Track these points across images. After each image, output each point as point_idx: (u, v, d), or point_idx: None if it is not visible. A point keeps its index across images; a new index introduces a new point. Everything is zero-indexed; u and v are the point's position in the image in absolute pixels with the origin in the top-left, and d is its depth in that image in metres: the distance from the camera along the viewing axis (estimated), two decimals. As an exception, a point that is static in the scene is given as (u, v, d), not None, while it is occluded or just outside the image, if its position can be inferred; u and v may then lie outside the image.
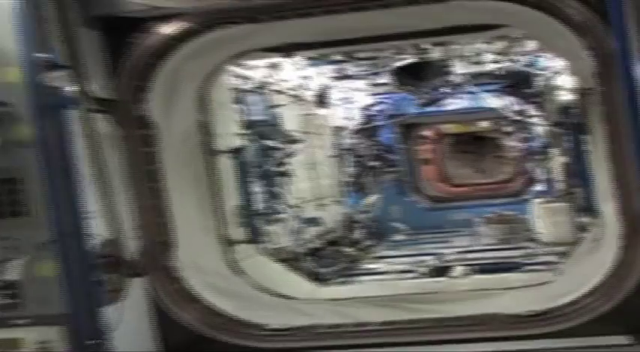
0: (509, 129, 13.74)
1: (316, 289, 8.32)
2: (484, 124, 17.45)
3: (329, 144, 12.44)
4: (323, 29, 6.36)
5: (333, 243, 11.34)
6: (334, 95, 12.59)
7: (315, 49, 7.63)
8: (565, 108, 9.11)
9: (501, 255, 10.01)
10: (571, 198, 9.01)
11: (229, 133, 8.05)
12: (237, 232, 7.75)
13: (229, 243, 7.40)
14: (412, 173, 15.62)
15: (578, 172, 8.98)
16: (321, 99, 12.08)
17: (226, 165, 7.82)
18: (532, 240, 10.35)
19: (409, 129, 15.55)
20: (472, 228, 13.01)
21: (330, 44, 7.21)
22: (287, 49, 7.25)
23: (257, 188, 8.82)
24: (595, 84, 5.79)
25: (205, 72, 6.95)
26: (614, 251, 5.83)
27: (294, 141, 9.85)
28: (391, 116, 14.18)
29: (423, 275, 9.11)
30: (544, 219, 9.24)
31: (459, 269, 8.64)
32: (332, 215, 11.65)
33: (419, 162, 16.05)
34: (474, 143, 18.31)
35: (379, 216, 13.99)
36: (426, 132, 16.75)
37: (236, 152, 8.16)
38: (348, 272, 9.93)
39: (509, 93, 12.04)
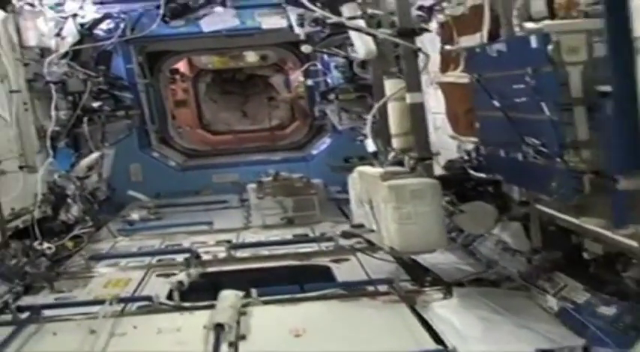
0: (291, 59, 9.75)
1: None
2: (252, 57, 14.14)
3: (19, 73, 7.63)
4: None
5: (21, 234, 6.90)
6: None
7: None
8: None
9: (297, 250, 6.01)
10: (428, 168, 5.04)
11: None
12: None
13: None
14: (159, 119, 11.49)
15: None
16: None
17: None
18: (350, 234, 6.09)
19: (154, 58, 11.48)
20: (244, 197, 9.13)
21: None
22: None
23: None
24: None
25: None
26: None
27: None
28: (124, 36, 9.71)
29: (163, 306, 4.96)
30: (384, 204, 4.74)
31: (230, 299, 4.53)
32: (19, 188, 7.04)
33: (168, 104, 12.14)
34: (241, 81, 15.09)
35: (109, 183, 9.66)
36: (178, 65, 12.91)
37: None
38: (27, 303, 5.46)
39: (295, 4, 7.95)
